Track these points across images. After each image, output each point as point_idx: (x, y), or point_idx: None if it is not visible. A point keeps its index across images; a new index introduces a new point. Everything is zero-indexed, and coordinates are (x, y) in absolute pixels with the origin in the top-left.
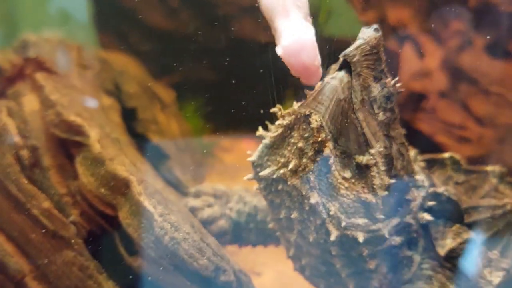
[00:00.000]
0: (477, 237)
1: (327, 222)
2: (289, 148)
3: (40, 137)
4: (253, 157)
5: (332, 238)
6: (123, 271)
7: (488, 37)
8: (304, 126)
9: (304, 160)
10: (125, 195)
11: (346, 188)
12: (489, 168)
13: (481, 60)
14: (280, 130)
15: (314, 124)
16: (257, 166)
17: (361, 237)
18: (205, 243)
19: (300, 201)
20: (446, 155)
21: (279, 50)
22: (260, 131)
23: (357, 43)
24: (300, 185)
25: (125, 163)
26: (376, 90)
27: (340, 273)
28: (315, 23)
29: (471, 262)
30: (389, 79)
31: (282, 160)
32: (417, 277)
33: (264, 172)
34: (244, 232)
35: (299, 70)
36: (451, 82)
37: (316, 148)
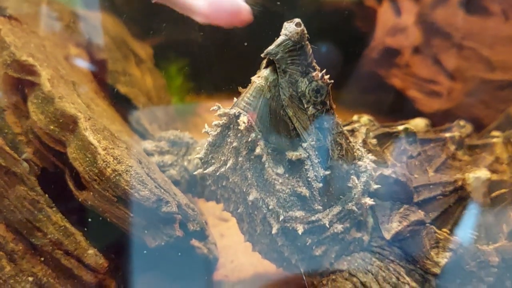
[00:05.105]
0: (426, 217)
1: (267, 216)
2: (227, 147)
3: None
4: (200, 154)
5: (273, 231)
6: (71, 205)
7: None
8: (236, 127)
9: (240, 158)
10: (73, 131)
11: (281, 183)
12: (447, 134)
13: (456, 14)
14: (218, 130)
15: (242, 126)
16: (204, 163)
17: (300, 229)
18: (150, 177)
19: (243, 197)
20: (400, 127)
21: (199, 18)
22: (206, 127)
23: (279, 39)
24: (240, 182)
25: (76, 102)
26: (304, 84)
27: (290, 259)
28: None
29: (417, 243)
30: (317, 72)
31: (223, 158)
32: (368, 251)
33: (209, 170)
34: (199, 186)
35: (229, 21)
36: (425, 37)
37: (249, 147)
